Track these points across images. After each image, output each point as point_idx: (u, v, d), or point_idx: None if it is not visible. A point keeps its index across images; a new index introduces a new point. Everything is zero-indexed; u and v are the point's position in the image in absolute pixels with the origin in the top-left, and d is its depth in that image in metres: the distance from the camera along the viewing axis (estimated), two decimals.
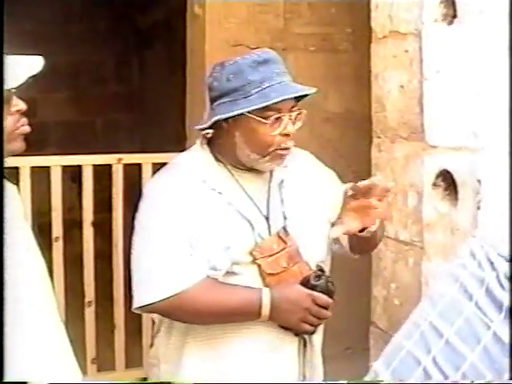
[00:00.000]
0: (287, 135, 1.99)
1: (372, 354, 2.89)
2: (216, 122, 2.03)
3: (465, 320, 0.77)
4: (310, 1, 3.91)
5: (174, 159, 2.19)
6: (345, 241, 2.18)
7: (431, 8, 2.23)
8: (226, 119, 2.01)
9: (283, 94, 1.94)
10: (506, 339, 0.74)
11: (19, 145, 1.54)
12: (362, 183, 1.89)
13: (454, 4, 2.14)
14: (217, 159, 2.08)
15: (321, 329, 2.14)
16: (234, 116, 1.98)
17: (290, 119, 1.98)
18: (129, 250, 2.10)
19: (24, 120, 1.54)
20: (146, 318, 3.61)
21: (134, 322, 3.63)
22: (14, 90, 1.45)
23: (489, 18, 2.03)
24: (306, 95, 2.05)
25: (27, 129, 1.55)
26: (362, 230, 1.98)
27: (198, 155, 2.11)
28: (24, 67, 1.41)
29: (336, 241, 2.20)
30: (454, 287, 0.79)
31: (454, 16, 2.14)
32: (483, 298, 0.76)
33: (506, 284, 0.74)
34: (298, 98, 2.04)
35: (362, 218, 1.94)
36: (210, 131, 2.11)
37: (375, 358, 2.79)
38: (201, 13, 3.79)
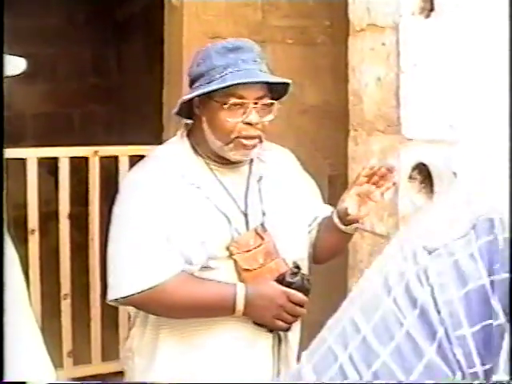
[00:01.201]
0: (250, 124, 1.97)
1: None
2: (193, 111, 2.04)
3: (381, 316, 0.74)
4: None
5: (153, 151, 2.18)
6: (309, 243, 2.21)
7: (409, 1, 2.23)
8: (198, 106, 2.02)
9: (240, 79, 1.93)
10: (419, 338, 0.72)
11: None
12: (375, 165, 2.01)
13: None
14: (196, 152, 2.07)
15: (298, 326, 2.14)
16: (192, 98, 2.00)
17: (254, 108, 1.96)
18: (105, 243, 2.09)
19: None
20: (123, 311, 3.60)
21: (110, 314, 3.62)
22: None
23: (465, 11, 2.04)
24: (286, 88, 2.04)
25: None
26: (347, 224, 2.04)
27: (177, 148, 2.10)
28: (4, 66, 1.38)
29: None
30: (377, 279, 0.77)
31: (431, 9, 2.15)
32: (401, 293, 0.74)
33: (424, 280, 0.72)
34: (275, 91, 2.03)
35: (359, 206, 2.00)
36: (190, 121, 2.12)
37: None
38: (178, 5, 3.77)
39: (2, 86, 1.32)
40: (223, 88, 1.94)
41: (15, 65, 1.37)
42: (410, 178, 2.30)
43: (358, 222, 2.06)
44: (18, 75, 1.38)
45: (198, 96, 2.00)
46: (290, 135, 3.76)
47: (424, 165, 2.23)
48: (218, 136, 2.00)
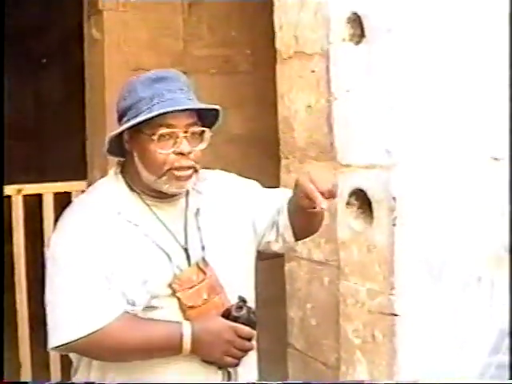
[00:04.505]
0: (182, 154, 1.92)
1: (290, 374, 2.87)
2: (124, 148, 1.99)
3: None
4: (209, 24, 3.89)
5: (88, 189, 2.12)
6: (289, 231, 2.13)
7: (338, 28, 2.24)
8: (127, 141, 1.97)
9: (166, 108, 1.88)
10: None
11: None
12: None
13: (361, 23, 2.15)
14: (131, 189, 2.02)
15: (252, 360, 2.10)
16: (121, 134, 1.95)
17: (184, 137, 1.92)
18: (33, 283, 2.01)
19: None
20: (54, 354, 3.49)
21: (41, 358, 3.51)
22: None
23: (397, 36, 2.05)
24: (217, 116, 2.00)
25: None
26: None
27: (111, 185, 2.04)
28: None
29: (278, 238, 2.16)
30: None
31: (362, 35, 2.16)
32: None
33: None
34: (206, 119, 2.00)
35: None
36: (121, 159, 2.07)
37: (294, 378, 2.77)
38: (99, 37, 3.72)
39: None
40: (150, 119, 1.89)
41: None
42: (348, 204, 2.29)
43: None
44: None
45: (126, 130, 1.95)
46: (217, 165, 3.73)
47: (361, 190, 2.23)
48: (150, 169, 1.95)
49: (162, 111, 1.88)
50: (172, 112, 1.89)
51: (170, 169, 1.93)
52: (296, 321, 2.82)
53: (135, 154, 1.97)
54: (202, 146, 1.97)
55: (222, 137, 3.90)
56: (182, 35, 3.83)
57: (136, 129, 1.93)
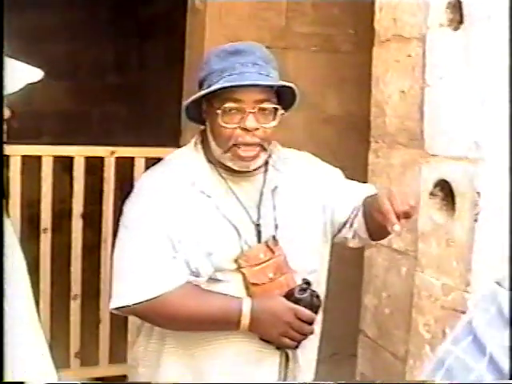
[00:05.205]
0: (247, 130, 1.88)
1: (360, 363, 2.84)
2: (203, 118, 1.99)
3: None
4: (313, 0, 3.84)
5: (166, 157, 2.12)
6: (363, 231, 2.09)
7: (437, 13, 2.17)
8: (205, 112, 1.97)
9: (231, 82, 1.84)
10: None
11: None
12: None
13: (460, 9, 2.07)
14: (208, 160, 2.01)
15: (314, 343, 2.07)
16: (201, 104, 1.95)
17: (251, 113, 1.87)
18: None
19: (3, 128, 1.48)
20: None
21: (119, 316, 3.56)
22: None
23: (496, 24, 1.97)
24: (295, 93, 1.95)
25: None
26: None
27: (190, 154, 2.04)
28: (23, 75, 1.34)
29: (355, 236, 2.12)
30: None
31: (461, 21, 2.08)
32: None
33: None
34: (284, 96, 1.95)
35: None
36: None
37: (363, 366, 2.74)
38: (202, 7, 3.72)
39: (2, 89, 1.29)
40: (217, 92, 1.86)
41: (31, 74, 1.34)
42: (432, 194, 2.23)
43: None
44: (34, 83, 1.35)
45: (203, 101, 1.94)
46: (311, 144, 3.68)
47: (446, 182, 2.16)
48: (218, 143, 1.94)
49: (225, 85, 1.84)
50: (237, 87, 1.85)
51: (235, 144, 1.90)
52: (370, 308, 2.77)
53: (208, 126, 1.97)
54: (273, 123, 1.92)
55: (318, 116, 3.91)
56: (285, 10, 3.79)
57: (208, 101, 1.92)
